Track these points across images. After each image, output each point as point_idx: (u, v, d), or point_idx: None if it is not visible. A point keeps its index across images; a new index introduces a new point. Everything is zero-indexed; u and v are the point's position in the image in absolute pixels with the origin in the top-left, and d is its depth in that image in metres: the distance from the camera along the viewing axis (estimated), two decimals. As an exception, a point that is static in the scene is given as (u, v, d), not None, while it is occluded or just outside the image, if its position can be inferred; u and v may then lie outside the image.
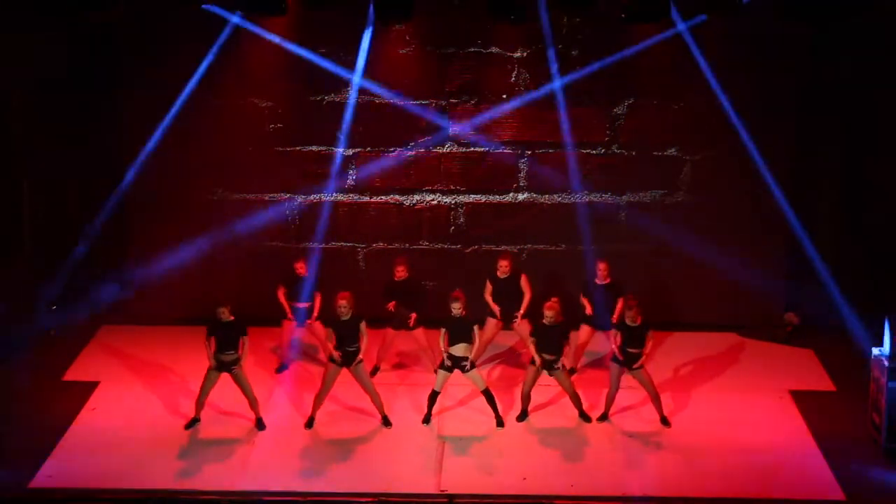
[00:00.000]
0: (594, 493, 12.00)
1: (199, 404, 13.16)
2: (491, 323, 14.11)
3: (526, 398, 13.39)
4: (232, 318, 12.97)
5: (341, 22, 14.77)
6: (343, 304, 12.87)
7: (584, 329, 14.01)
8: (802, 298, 15.60)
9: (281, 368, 14.50)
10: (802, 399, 13.84)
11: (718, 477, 12.27)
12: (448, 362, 13.06)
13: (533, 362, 13.12)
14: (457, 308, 13.01)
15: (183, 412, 13.46)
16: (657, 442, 12.96)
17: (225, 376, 13.03)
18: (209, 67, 14.91)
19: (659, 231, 15.38)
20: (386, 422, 13.24)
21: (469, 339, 13.02)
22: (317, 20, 14.75)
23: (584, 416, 13.36)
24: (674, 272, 15.35)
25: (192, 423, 13.18)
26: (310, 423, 13.22)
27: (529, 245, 15.53)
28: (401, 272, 14.00)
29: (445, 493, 11.95)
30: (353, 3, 14.46)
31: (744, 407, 13.69)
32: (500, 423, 13.27)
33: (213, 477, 12.20)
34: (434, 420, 13.34)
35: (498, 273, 14.00)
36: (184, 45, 14.83)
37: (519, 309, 13.90)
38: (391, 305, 13.96)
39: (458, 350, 13.03)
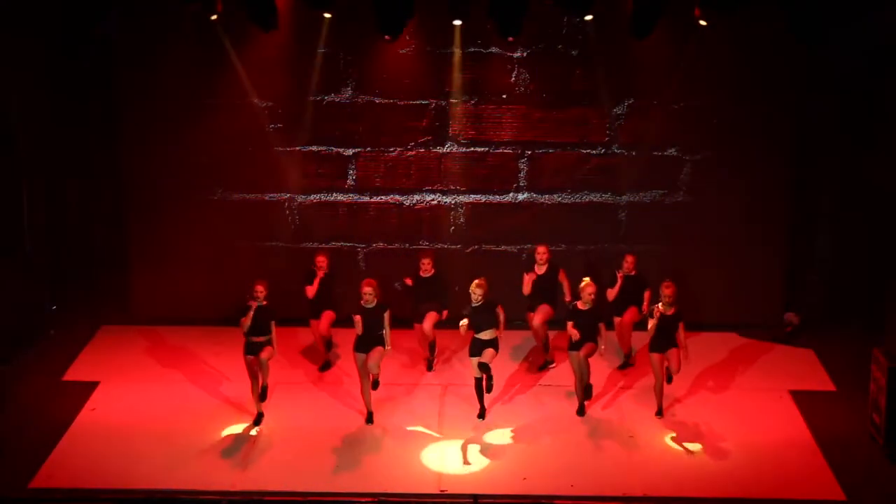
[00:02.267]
0: (594, 493, 12.00)
1: (255, 396, 13.23)
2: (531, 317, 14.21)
3: (583, 390, 13.38)
4: (265, 302, 13.00)
5: (341, 22, 14.77)
6: (368, 292, 12.95)
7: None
8: (802, 298, 15.62)
9: (324, 366, 14.54)
10: (802, 399, 13.84)
11: (718, 477, 12.27)
12: (477, 349, 13.12)
13: (570, 345, 13.20)
14: (477, 296, 13.04)
15: (183, 412, 13.47)
16: (657, 442, 12.96)
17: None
18: (209, 68, 14.93)
19: (659, 231, 15.40)
20: (370, 419, 13.26)
21: (494, 323, 13.11)
22: (317, 20, 14.76)
23: (582, 411, 13.37)
24: (674, 272, 15.33)
25: (259, 418, 13.24)
26: (369, 419, 13.30)
27: (529, 245, 15.52)
28: (427, 268, 14.10)
29: (449, 492, 11.98)
30: (354, 3, 14.46)
31: (744, 407, 13.69)
32: (481, 416, 13.31)
33: (213, 477, 12.20)
34: (434, 420, 13.35)
35: (536, 268, 14.12)
36: (183, 46, 14.83)
37: (559, 301, 14.00)
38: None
39: (487, 335, 13.11)
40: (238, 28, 14.65)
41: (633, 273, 14.23)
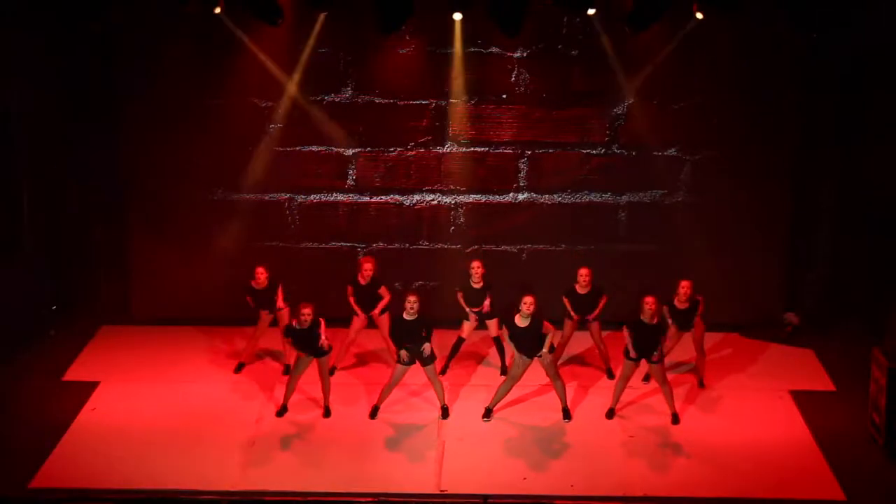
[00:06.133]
0: (594, 493, 12.01)
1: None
2: (568, 324, 14.16)
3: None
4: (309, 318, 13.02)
5: (341, 22, 14.78)
6: (412, 301, 13.00)
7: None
8: (802, 298, 15.62)
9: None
10: (802, 399, 13.84)
11: (718, 477, 12.28)
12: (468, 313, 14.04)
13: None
14: (476, 277, 13.87)
15: (183, 412, 13.47)
16: (657, 442, 12.96)
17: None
18: (209, 67, 14.94)
19: (659, 231, 15.40)
20: (445, 413, 13.38)
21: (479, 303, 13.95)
22: (317, 20, 14.75)
23: (567, 413, 13.43)
24: (674, 272, 15.33)
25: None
26: (373, 414, 13.40)
27: (529, 245, 15.54)
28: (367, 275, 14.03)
29: (449, 492, 11.98)
30: (354, 2, 14.47)
31: (744, 407, 13.70)
32: (504, 372, 13.98)
33: (214, 477, 12.20)
34: (434, 420, 13.36)
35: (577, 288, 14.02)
36: (184, 45, 14.83)
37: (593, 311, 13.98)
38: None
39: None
40: (238, 28, 14.65)
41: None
